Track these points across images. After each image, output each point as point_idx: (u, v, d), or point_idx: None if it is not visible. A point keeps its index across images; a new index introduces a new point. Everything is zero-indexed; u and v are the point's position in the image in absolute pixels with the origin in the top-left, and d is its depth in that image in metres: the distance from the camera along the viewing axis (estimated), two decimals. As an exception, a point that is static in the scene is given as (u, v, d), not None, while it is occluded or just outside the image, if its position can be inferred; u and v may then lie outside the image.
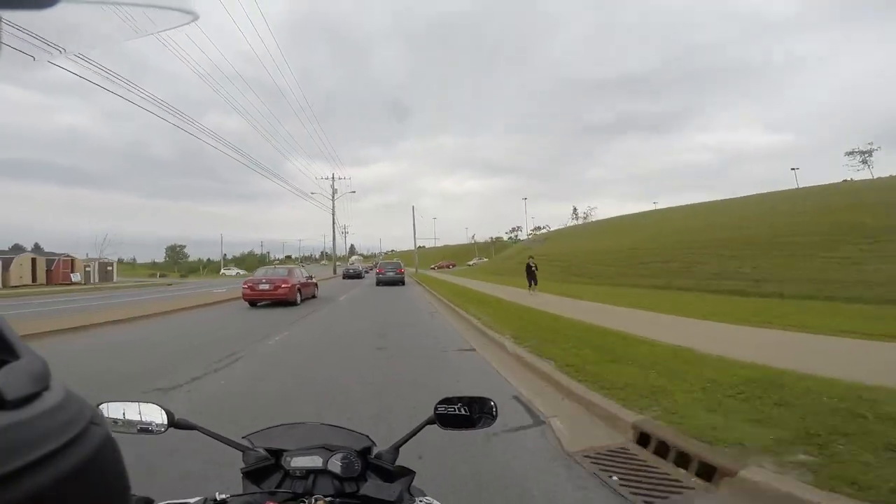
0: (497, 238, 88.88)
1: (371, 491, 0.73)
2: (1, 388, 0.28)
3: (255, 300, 12.20)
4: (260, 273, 13.10)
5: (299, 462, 0.81)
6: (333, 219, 38.25)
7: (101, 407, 0.82)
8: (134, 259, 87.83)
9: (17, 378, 0.30)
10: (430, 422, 0.91)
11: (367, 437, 0.89)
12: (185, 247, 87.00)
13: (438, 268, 57.75)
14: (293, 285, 12.26)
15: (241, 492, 0.81)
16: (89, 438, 0.32)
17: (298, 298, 12.50)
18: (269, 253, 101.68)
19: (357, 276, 31.53)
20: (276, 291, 11.85)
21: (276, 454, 0.83)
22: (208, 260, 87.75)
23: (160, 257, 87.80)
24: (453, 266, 60.63)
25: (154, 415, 0.85)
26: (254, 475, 0.84)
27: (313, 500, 0.73)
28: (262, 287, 11.94)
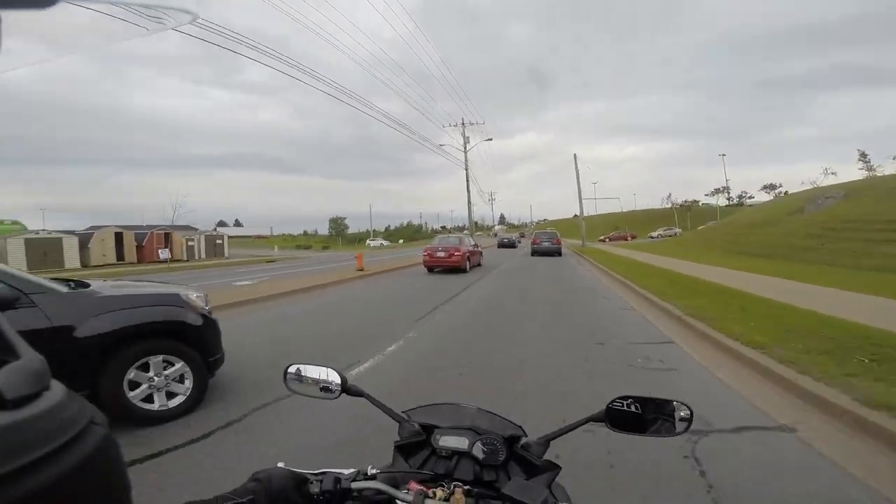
0: (691, 202, 72.77)
1: (512, 490, 0.72)
2: (1, 388, 0.30)
3: (432, 266, 15.10)
4: (436, 242, 16.23)
5: (446, 441, 0.86)
6: (467, 173, 32.25)
7: (289, 368, 0.99)
8: (304, 232, 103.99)
9: (17, 378, 0.31)
10: (595, 419, 0.89)
11: (520, 427, 0.92)
12: (345, 219, 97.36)
13: (610, 240, 47.54)
14: (463, 253, 14.75)
15: (390, 463, 0.90)
16: (89, 438, 0.33)
17: (467, 266, 15.00)
18: (425, 223, 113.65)
19: (511, 245, 34.69)
20: (450, 259, 14.56)
21: (428, 430, 0.90)
22: (371, 231, 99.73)
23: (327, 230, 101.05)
24: (632, 238, 48.37)
25: (332, 378, 0.96)
26: (404, 450, 0.91)
27: (451, 487, 0.76)
28: (438, 255, 14.77)
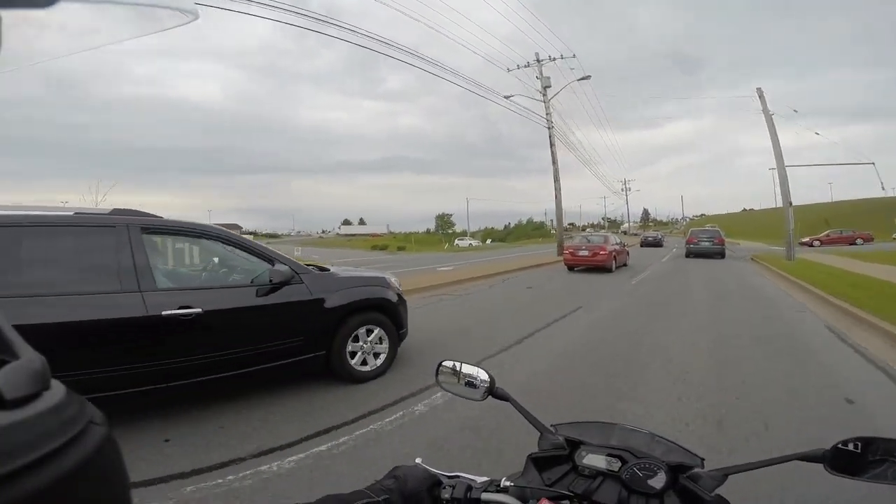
0: None
1: None
2: (1, 387, 0.31)
3: (573, 265, 15.07)
4: (578, 240, 16.12)
5: (593, 460, 0.81)
6: (550, 134, 22.35)
7: (443, 363, 1.03)
8: (427, 230, 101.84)
9: (16, 378, 0.32)
10: (811, 458, 0.76)
11: (697, 455, 0.83)
12: (451, 215, 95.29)
13: (823, 242, 32.81)
14: (610, 252, 14.44)
15: (521, 473, 0.87)
16: (89, 438, 0.34)
17: (613, 266, 14.61)
18: (550, 221, 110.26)
19: (657, 244, 34.72)
20: (595, 258, 14.36)
21: (574, 445, 0.85)
22: (468, 230, 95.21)
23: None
24: (866, 240, 32.43)
25: (482, 378, 0.98)
26: (540, 463, 0.86)
27: None
28: (581, 253, 14.69)
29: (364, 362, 4.09)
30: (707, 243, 20.56)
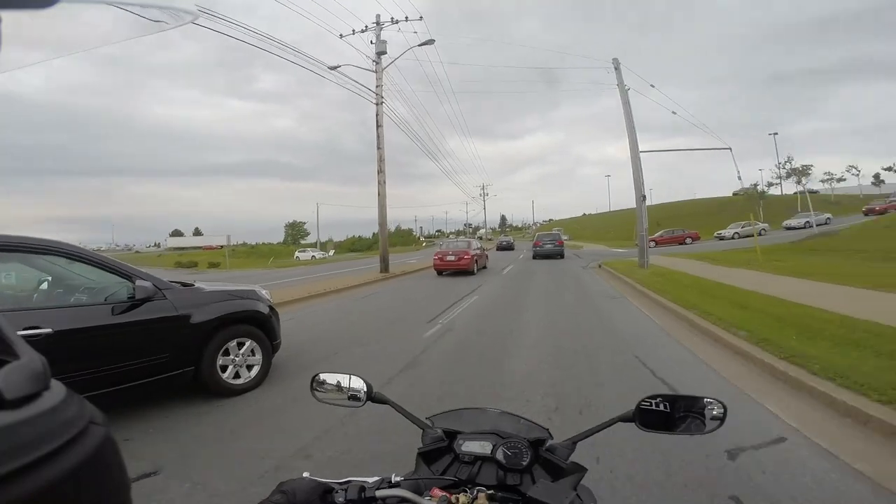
0: (757, 187, 54.87)
1: (536, 492, 0.78)
2: (1, 388, 0.31)
3: (442, 269, 16.65)
4: (446, 246, 17.81)
5: (469, 447, 0.94)
6: (378, 111, 17.50)
7: (317, 376, 1.10)
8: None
9: (17, 378, 0.33)
10: (624, 419, 0.96)
11: (547, 430, 1.00)
12: (304, 223, 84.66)
13: (658, 242, 33.79)
14: (472, 256, 16.43)
15: (413, 470, 0.98)
16: (89, 438, 0.35)
17: (475, 269, 16.60)
18: (421, 228, 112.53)
19: (509, 247, 38.40)
20: (459, 262, 16.22)
21: (451, 436, 0.98)
22: (357, 237, 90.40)
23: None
24: (694, 239, 35.40)
25: (358, 386, 1.06)
26: (427, 456, 0.98)
27: (475, 492, 0.82)
28: (448, 258, 16.46)
29: (237, 375, 4.20)
30: (550, 246, 24.32)
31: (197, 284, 4.28)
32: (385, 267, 17.59)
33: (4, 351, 0.36)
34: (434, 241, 79.67)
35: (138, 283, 3.53)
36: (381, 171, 17.57)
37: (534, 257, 24.14)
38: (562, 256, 23.98)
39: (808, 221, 33.42)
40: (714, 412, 0.90)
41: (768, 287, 8.52)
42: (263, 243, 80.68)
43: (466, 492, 0.82)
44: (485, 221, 67.78)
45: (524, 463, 0.90)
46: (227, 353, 4.14)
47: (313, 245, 71.76)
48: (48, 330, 2.95)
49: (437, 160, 30.50)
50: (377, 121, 17.53)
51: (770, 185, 51.05)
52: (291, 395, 4.04)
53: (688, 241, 34.99)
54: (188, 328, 3.81)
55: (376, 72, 17.54)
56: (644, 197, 15.75)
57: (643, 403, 0.94)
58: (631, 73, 17.17)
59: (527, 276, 15.40)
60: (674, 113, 16.53)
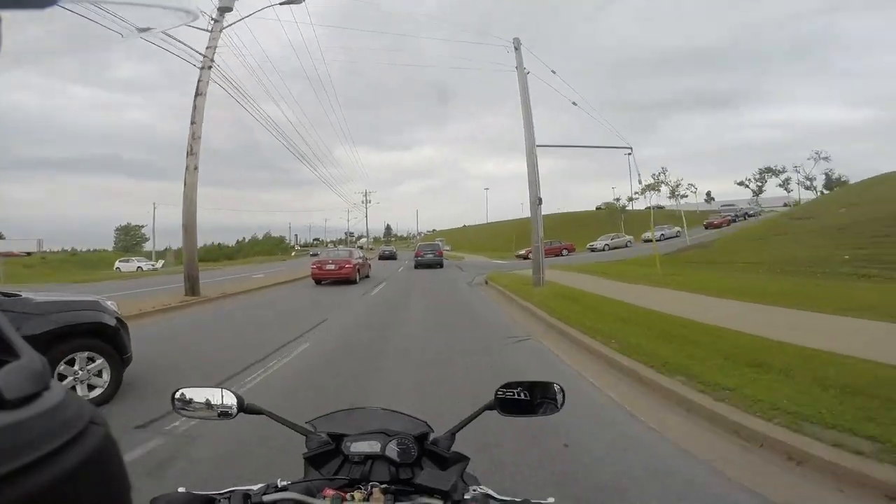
0: (619, 203, 57.50)
1: (425, 479, 0.84)
2: (1, 388, 0.32)
3: (320, 279, 16.39)
4: (325, 255, 17.69)
5: (358, 447, 0.96)
6: (209, 53, 13.26)
7: (178, 392, 1.04)
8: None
9: (17, 378, 0.33)
10: (489, 407, 1.06)
11: (426, 423, 1.06)
12: (142, 227, 68.87)
13: (526, 257, 30.11)
14: (354, 265, 16.41)
15: (302, 476, 0.98)
16: (89, 438, 0.35)
17: (357, 278, 16.62)
18: (296, 235, 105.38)
19: (391, 256, 39.64)
20: (341, 271, 16.09)
21: (337, 439, 0.99)
22: (218, 244, 76.85)
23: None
24: (569, 251, 36.00)
25: (227, 400, 1.02)
26: (315, 460, 1.00)
27: (369, 487, 0.85)
28: (328, 267, 16.26)
29: (74, 390, 3.79)
30: (431, 255, 25.55)
31: (24, 295, 3.81)
32: (192, 288, 12.79)
33: (4, 351, 0.37)
34: (309, 250, 73.16)
35: None
36: (191, 154, 13.11)
37: (415, 266, 24.91)
38: (441, 266, 25.14)
39: (663, 234, 34.74)
40: (559, 397, 1.04)
41: (710, 313, 6.95)
42: (93, 250, 66.63)
43: (361, 489, 0.85)
44: (367, 230, 63.29)
45: (413, 457, 0.95)
46: (71, 367, 3.85)
47: (149, 254, 58.63)
48: None
49: (314, 164, 29.10)
50: (197, 88, 13.37)
51: (630, 199, 54.71)
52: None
53: (564, 252, 35.45)
54: None
55: (211, 30, 13.41)
56: (540, 200, 13.75)
57: (499, 392, 1.04)
58: (532, 59, 15.05)
59: (403, 297, 12.80)
60: (574, 104, 15.11)
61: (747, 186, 60.70)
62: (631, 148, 15.92)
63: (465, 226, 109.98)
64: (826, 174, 56.65)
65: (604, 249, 35.80)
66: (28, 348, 0.37)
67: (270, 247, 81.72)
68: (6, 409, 0.31)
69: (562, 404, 1.05)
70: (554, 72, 14.68)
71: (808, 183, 58.16)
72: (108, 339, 4.16)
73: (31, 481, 0.30)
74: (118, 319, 4.40)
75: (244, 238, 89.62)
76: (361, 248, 35.38)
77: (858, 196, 22.19)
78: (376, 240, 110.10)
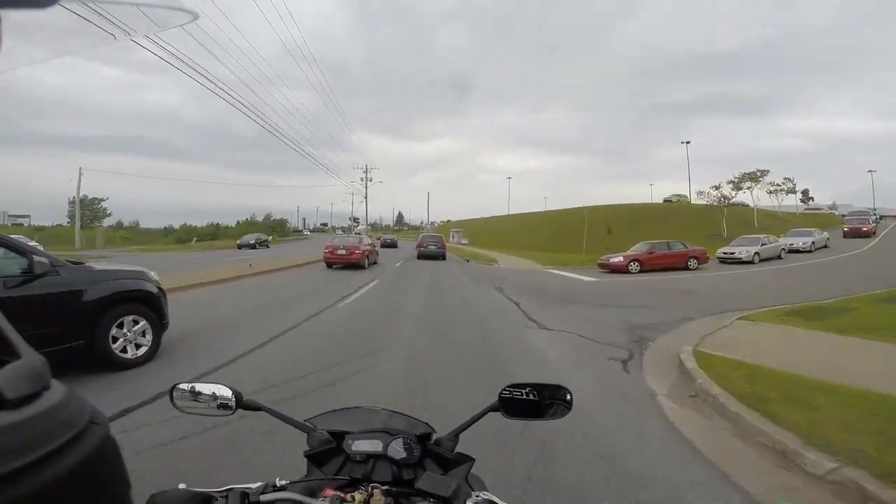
0: (676, 197, 56.65)
1: (426, 484, 0.86)
2: (1, 388, 0.33)
3: (332, 263, 18.05)
4: (338, 240, 19.35)
5: (360, 446, 0.99)
6: None
7: (176, 388, 1.08)
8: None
9: (17, 378, 0.35)
10: (493, 408, 1.07)
11: (428, 424, 1.08)
12: (103, 200, 63.30)
13: (646, 262, 19.89)
14: (363, 251, 18.16)
15: (303, 475, 1.01)
16: (89, 438, 0.37)
17: (366, 263, 18.32)
18: (303, 220, 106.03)
19: (393, 245, 42.30)
20: (351, 256, 17.74)
21: (339, 437, 1.02)
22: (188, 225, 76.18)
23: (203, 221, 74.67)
24: (699, 260, 20.61)
25: (224, 395, 1.05)
26: (316, 458, 1.03)
27: (370, 488, 0.87)
28: (339, 252, 17.86)
29: (125, 350, 4.72)
30: (433, 247, 26.08)
31: (87, 263, 4.70)
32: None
33: (4, 351, 0.38)
34: (304, 234, 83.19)
35: (36, 259, 3.96)
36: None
37: (418, 257, 25.54)
38: (443, 258, 25.42)
39: (813, 242, 25.81)
40: (568, 398, 1.04)
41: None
42: (58, 224, 62.01)
43: (361, 489, 0.87)
44: (366, 213, 54.39)
45: (416, 457, 0.98)
46: (120, 329, 4.68)
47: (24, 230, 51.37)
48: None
49: (319, 150, 29.62)
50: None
51: (700, 193, 45.79)
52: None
53: (692, 263, 20.56)
54: (81, 303, 4.31)
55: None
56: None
57: (504, 392, 1.05)
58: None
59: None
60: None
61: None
62: (689, 140, 13.44)
63: (487, 217, 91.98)
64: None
65: (752, 261, 21.31)
66: (28, 348, 0.39)
67: (267, 230, 79.69)
68: (6, 409, 0.33)
69: (571, 406, 1.05)
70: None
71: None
72: (150, 305, 5.04)
73: (31, 481, 0.31)
74: (159, 288, 5.29)
75: (245, 219, 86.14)
76: (358, 234, 34.49)
77: None
78: (386, 228, 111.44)
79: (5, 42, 0.36)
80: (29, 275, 3.92)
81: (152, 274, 5.40)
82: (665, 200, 57.71)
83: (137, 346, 4.84)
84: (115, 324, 4.62)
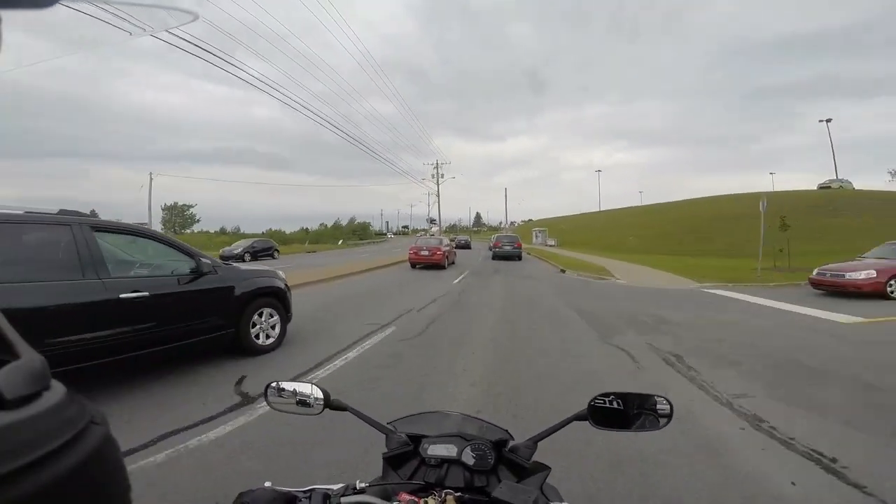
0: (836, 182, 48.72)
1: (502, 493, 0.86)
2: (1, 388, 0.33)
3: (416, 263, 19.98)
4: (420, 241, 21.25)
5: (435, 450, 1.02)
6: None
7: (272, 384, 1.17)
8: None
9: (17, 378, 0.35)
10: (579, 417, 1.06)
11: (507, 430, 1.11)
12: (191, 207, 70.23)
13: (885, 287, 10.11)
14: (444, 252, 20.01)
15: (380, 475, 1.06)
16: (89, 438, 0.37)
17: (446, 263, 20.14)
18: (387, 223, 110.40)
19: (467, 246, 42.48)
20: (432, 257, 19.65)
21: (416, 440, 1.06)
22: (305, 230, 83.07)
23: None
24: None
25: (315, 394, 1.13)
26: (393, 461, 1.06)
27: (443, 494, 0.89)
28: (422, 253, 19.87)
29: (257, 337, 5.73)
30: (509, 247, 26.31)
31: (232, 264, 5.75)
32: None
33: (4, 351, 0.38)
34: (387, 237, 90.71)
35: (202, 260, 4.98)
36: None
37: (493, 258, 26.11)
38: (519, 258, 25.91)
39: None
40: (661, 409, 1.02)
41: None
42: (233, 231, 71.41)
43: (434, 495, 0.90)
44: (438, 212, 53.90)
45: (490, 464, 0.99)
46: (259, 318, 5.68)
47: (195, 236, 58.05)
48: (146, 294, 4.36)
49: (399, 157, 30.62)
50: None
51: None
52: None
53: None
54: (232, 297, 5.33)
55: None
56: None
57: (596, 401, 1.05)
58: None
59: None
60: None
61: None
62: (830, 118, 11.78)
63: (576, 214, 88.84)
64: None
65: None
66: (28, 348, 0.40)
67: (349, 234, 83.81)
68: (6, 409, 0.33)
69: (668, 420, 1.02)
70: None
71: None
72: (280, 300, 6.03)
73: (31, 481, 0.32)
74: (286, 285, 6.29)
75: (329, 223, 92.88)
76: (432, 236, 33.88)
77: None
78: (463, 229, 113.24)
79: (5, 42, 0.37)
80: (197, 273, 4.93)
81: (281, 273, 6.42)
82: (820, 187, 50.36)
83: (267, 336, 5.80)
84: (254, 314, 5.60)
